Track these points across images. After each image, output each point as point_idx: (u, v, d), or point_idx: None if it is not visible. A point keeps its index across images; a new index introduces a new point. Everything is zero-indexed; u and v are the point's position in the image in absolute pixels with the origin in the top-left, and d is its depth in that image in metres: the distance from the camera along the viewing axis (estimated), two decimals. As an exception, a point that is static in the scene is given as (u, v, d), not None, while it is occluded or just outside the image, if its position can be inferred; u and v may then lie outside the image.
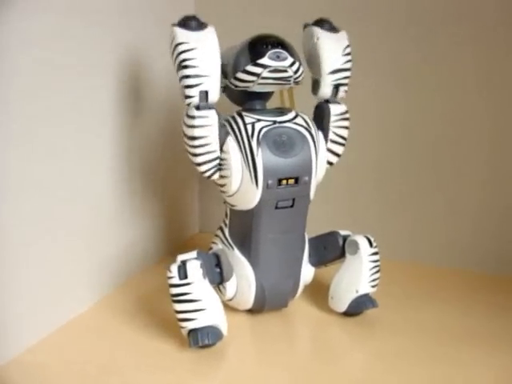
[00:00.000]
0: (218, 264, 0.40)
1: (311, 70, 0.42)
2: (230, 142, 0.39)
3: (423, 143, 0.51)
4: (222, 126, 0.39)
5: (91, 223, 0.43)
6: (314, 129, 0.40)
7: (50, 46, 0.37)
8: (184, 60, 0.37)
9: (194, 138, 0.38)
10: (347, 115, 0.42)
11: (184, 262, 0.38)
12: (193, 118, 0.37)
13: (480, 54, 0.48)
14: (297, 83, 0.40)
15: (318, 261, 0.44)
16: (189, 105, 0.38)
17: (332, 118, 0.42)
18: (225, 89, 0.41)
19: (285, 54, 0.38)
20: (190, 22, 0.37)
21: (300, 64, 0.39)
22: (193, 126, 0.37)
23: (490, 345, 0.40)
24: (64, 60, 0.39)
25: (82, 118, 0.41)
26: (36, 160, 0.37)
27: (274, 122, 0.39)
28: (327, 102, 0.42)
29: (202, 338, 0.37)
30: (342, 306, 0.42)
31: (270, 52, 0.38)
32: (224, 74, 0.39)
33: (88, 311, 0.43)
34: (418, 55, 0.50)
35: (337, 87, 0.41)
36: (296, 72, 0.39)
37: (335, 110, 0.42)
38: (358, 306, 0.42)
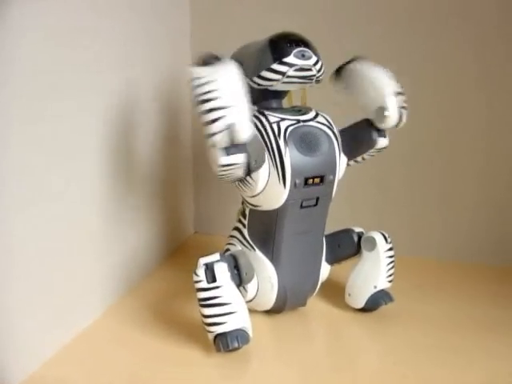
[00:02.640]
0: (236, 265, 0.40)
1: (367, 99, 0.41)
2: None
3: (422, 138, 0.52)
4: None
5: (85, 234, 0.41)
6: (335, 128, 0.40)
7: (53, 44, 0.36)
8: (203, 94, 0.34)
9: (222, 166, 0.36)
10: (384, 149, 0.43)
11: (209, 265, 0.38)
12: (221, 166, 0.35)
13: (478, 51, 0.49)
14: (318, 82, 0.39)
15: (333, 258, 0.44)
16: (214, 146, 0.35)
17: (372, 150, 0.42)
18: None
19: (309, 52, 0.38)
20: (206, 60, 0.36)
21: (322, 63, 0.39)
22: (221, 170, 0.36)
23: (495, 332, 0.41)
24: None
25: (78, 122, 0.39)
26: (39, 169, 0.36)
27: (298, 121, 0.39)
28: (377, 131, 0.41)
29: (232, 342, 0.37)
30: (360, 303, 0.43)
31: (295, 50, 0.37)
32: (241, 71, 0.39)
33: (97, 321, 0.42)
34: (419, 49, 0.51)
35: (400, 112, 0.41)
36: (319, 71, 0.38)
37: (381, 143, 0.42)
38: (376, 302, 0.43)
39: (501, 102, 0.50)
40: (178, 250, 0.55)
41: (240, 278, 0.39)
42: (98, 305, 0.43)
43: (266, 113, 0.39)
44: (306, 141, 0.38)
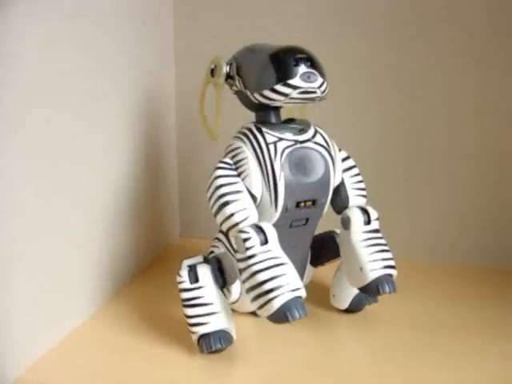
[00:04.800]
0: (220, 267, 0.39)
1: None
2: (252, 161, 0.37)
3: (415, 139, 0.53)
4: (240, 140, 0.38)
5: (74, 235, 0.41)
6: (332, 148, 0.39)
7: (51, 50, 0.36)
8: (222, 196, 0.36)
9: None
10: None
11: (192, 267, 0.38)
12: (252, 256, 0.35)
13: (474, 55, 0.50)
14: (321, 100, 0.38)
15: (316, 261, 0.44)
16: (248, 250, 0.35)
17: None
18: (236, 92, 0.40)
19: (316, 74, 0.36)
20: None
21: (327, 83, 0.37)
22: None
23: (484, 334, 0.41)
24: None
25: (65, 128, 0.39)
26: (31, 170, 0.36)
27: (296, 142, 0.37)
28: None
29: (215, 343, 0.37)
30: (344, 304, 0.43)
31: (301, 72, 0.36)
32: (241, 80, 0.38)
33: (84, 324, 0.42)
34: (414, 50, 0.51)
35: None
36: (323, 91, 0.37)
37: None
38: (360, 303, 0.43)
39: (492, 103, 0.50)
40: (163, 254, 0.55)
41: (224, 280, 0.39)
42: (85, 308, 0.43)
43: (264, 130, 0.38)
44: (301, 164, 0.37)
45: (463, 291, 0.48)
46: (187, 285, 0.37)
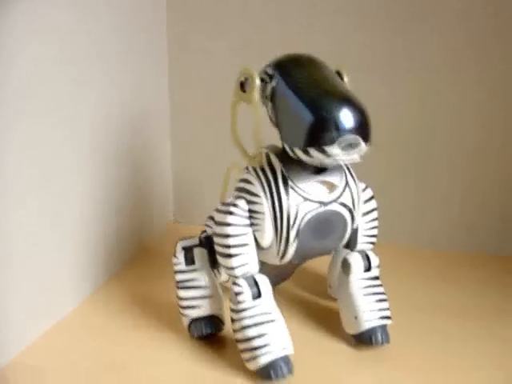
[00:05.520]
0: (211, 248, 0.38)
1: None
2: (268, 220, 0.33)
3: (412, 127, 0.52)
4: (261, 187, 0.34)
5: (65, 222, 0.40)
6: (357, 205, 0.35)
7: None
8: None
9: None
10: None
11: (188, 249, 0.37)
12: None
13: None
14: None
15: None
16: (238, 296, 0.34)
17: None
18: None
19: (359, 141, 0.30)
20: None
21: (370, 143, 0.31)
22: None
23: (481, 319, 0.41)
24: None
25: (60, 121, 0.39)
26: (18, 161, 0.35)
27: (321, 205, 0.33)
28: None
29: (206, 328, 0.37)
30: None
31: (342, 139, 0.30)
32: (274, 112, 0.33)
33: (75, 310, 0.41)
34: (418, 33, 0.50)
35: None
36: (360, 154, 0.31)
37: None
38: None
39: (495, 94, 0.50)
40: (156, 240, 0.55)
41: (214, 260, 0.37)
42: (77, 294, 0.42)
43: (290, 184, 0.33)
44: (319, 229, 0.34)
45: (462, 277, 0.48)
46: (183, 267, 0.37)
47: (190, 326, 0.37)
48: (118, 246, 0.48)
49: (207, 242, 0.38)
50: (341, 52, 0.50)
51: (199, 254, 0.37)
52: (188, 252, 0.37)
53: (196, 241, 0.38)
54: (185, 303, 0.37)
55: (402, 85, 0.51)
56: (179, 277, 0.37)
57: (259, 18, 0.52)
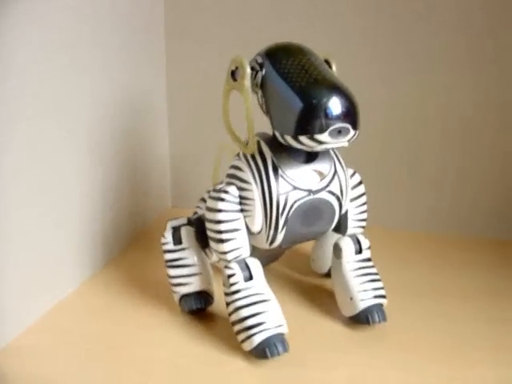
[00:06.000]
0: (203, 228, 0.39)
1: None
2: (258, 206, 0.35)
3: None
4: (251, 174, 0.35)
5: (65, 205, 0.42)
6: (345, 192, 0.36)
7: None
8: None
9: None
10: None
11: (176, 229, 0.39)
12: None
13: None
14: None
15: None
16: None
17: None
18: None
19: (348, 128, 0.31)
20: None
21: (359, 131, 0.32)
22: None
23: (480, 301, 0.42)
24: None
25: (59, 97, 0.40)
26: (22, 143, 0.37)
27: (309, 193, 0.35)
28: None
29: (195, 303, 0.38)
30: (324, 268, 0.43)
31: (332, 128, 0.31)
32: (264, 100, 0.34)
33: (76, 291, 0.43)
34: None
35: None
36: (351, 141, 0.33)
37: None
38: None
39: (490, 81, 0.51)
40: (154, 225, 0.56)
41: (206, 241, 0.39)
42: (77, 275, 0.44)
43: (280, 173, 0.34)
44: (307, 217, 0.35)
45: (460, 261, 0.48)
46: (171, 246, 0.39)
47: (180, 301, 0.39)
48: (118, 230, 0.50)
49: (198, 223, 0.39)
50: (338, 41, 0.52)
51: (186, 233, 0.39)
52: (176, 231, 0.39)
53: (184, 220, 0.40)
54: (174, 281, 0.39)
55: (397, 72, 0.52)
56: (168, 256, 0.39)
57: (256, 7, 0.53)
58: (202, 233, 0.39)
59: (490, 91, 0.50)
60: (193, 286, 0.38)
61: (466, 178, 0.53)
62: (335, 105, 0.31)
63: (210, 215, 0.35)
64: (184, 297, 0.39)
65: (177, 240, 0.39)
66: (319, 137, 0.31)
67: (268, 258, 0.44)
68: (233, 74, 0.34)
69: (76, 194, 0.43)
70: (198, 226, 0.39)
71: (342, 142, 0.32)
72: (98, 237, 0.46)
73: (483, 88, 0.51)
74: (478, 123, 0.51)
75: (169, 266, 0.39)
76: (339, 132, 0.31)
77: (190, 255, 0.39)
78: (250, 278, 0.35)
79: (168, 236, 0.39)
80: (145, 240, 0.53)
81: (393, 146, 0.54)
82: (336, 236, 0.39)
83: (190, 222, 0.39)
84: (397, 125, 0.53)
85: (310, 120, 0.31)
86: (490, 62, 0.50)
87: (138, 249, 0.51)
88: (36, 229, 0.38)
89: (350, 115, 0.31)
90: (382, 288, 0.38)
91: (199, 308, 0.39)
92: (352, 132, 0.32)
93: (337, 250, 0.39)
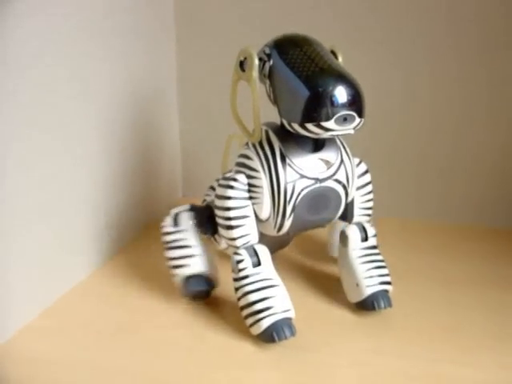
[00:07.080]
0: (211, 215, 0.39)
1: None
2: (266, 194, 0.35)
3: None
4: (259, 162, 0.35)
5: (80, 195, 0.42)
6: (351, 180, 0.37)
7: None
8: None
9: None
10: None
11: (177, 214, 0.39)
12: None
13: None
14: None
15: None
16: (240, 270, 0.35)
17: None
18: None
19: (353, 116, 0.32)
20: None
21: (364, 118, 0.33)
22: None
23: (484, 287, 0.42)
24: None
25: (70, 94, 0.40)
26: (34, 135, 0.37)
27: (316, 181, 0.35)
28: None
29: (195, 285, 0.38)
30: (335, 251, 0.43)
31: (338, 115, 0.31)
32: (272, 89, 0.35)
33: (86, 280, 0.43)
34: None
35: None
36: (357, 128, 0.33)
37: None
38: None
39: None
40: (165, 213, 0.55)
41: (214, 227, 0.39)
42: (91, 261, 0.44)
43: (288, 162, 0.35)
44: (315, 205, 0.36)
45: (469, 250, 0.48)
46: (169, 228, 0.39)
47: (181, 285, 0.39)
48: (129, 219, 0.50)
49: (206, 210, 0.39)
50: (345, 32, 0.51)
51: (184, 216, 0.39)
52: (175, 216, 0.39)
53: (186, 207, 0.40)
54: (173, 263, 0.39)
55: (409, 63, 0.51)
56: (166, 238, 0.39)
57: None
58: (209, 219, 0.39)
59: (504, 81, 0.50)
60: (192, 267, 0.38)
61: (477, 167, 0.52)
62: (341, 93, 0.32)
63: (219, 202, 0.36)
64: (184, 280, 0.38)
65: (176, 223, 0.39)
66: (325, 124, 0.32)
67: (276, 245, 0.43)
68: (241, 64, 0.35)
69: (90, 183, 0.44)
70: (206, 212, 0.39)
71: (348, 129, 0.32)
72: (110, 225, 0.47)
73: (496, 79, 0.50)
74: (490, 112, 0.50)
75: (167, 248, 0.39)
76: (345, 119, 0.32)
77: (187, 237, 0.38)
78: (259, 263, 0.35)
79: (167, 220, 0.39)
80: (155, 229, 0.51)
81: (404, 135, 0.53)
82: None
83: (192, 208, 0.39)
84: (408, 115, 0.53)
85: (316, 108, 0.32)
86: (503, 48, 0.49)
87: (149, 237, 0.51)
88: (54, 215, 0.39)
89: (356, 103, 0.32)
90: (388, 275, 0.38)
91: (201, 290, 0.38)
92: (357, 120, 0.32)
93: (343, 237, 0.39)
